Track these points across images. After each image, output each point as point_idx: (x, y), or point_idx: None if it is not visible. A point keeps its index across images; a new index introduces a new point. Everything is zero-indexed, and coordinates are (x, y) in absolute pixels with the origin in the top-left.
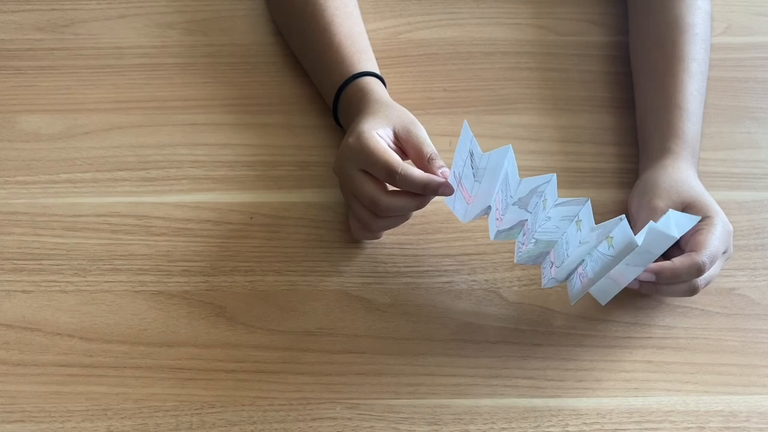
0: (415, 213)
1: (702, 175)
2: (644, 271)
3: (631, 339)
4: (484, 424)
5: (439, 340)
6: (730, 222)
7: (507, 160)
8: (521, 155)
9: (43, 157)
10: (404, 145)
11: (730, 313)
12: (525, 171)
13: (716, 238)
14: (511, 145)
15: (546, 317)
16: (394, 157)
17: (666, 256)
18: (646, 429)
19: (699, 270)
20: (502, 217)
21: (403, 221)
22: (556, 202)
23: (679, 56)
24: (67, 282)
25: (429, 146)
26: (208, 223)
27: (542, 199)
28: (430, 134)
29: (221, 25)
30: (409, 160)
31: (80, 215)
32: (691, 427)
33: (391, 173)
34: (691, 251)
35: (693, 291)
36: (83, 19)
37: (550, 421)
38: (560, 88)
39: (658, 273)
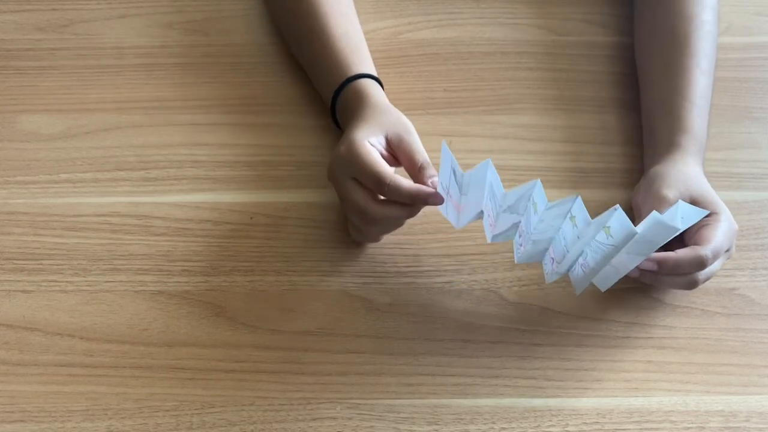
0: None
1: None
2: (646, 260)
3: (631, 339)
4: (484, 424)
5: (439, 340)
6: None
7: (489, 172)
8: (521, 155)
9: (43, 157)
10: (396, 153)
11: (730, 313)
12: (525, 171)
13: (721, 234)
14: (490, 159)
15: (546, 317)
16: (384, 168)
17: (667, 247)
18: (646, 429)
19: (701, 263)
20: (494, 223)
21: (398, 226)
22: (547, 207)
23: (691, 51)
24: (67, 282)
25: (420, 154)
26: (208, 223)
27: (531, 202)
28: (430, 134)
29: (221, 25)
30: (402, 168)
31: (80, 215)
32: (691, 427)
33: (380, 184)
34: (695, 245)
35: (692, 285)
36: (83, 19)
37: (550, 421)
38: (560, 88)
39: (660, 263)
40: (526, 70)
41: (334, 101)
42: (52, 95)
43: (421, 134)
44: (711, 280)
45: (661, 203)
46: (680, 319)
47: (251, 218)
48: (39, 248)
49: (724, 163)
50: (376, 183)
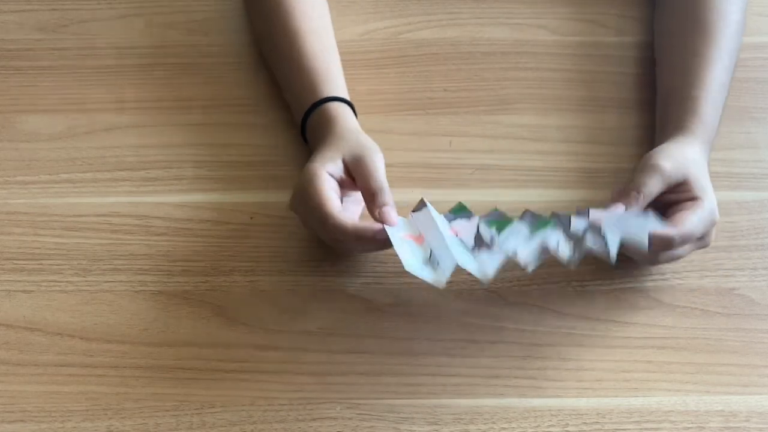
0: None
1: None
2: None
3: (631, 339)
4: (484, 424)
5: (439, 340)
6: (730, 222)
7: (431, 217)
8: (521, 155)
9: (43, 157)
10: (354, 176)
11: (730, 313)
12: (525, 171)
13: (697, 219)
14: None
15: (546, 317)
16: (329, 206)
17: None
18: (646, 429)
19: (667, 244)
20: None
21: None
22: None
23: (716, 43)
24: (67, 282)
25: (375, 180)
26: (208, 223)
27: (491, 230)
28: (430, 134)
29: (221, 25)
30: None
31: (80, 215)
32: (691, 427)
33: (323, 224)
34: (670, 224)
35: (652, 262)
36: (83, 19)
37: (550, 421)
38: (560, 88)
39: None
40: (526, 70)
41: (304, 123)
42: (52, 95)
43: (421, 134)
44: (711, 280)
45: (655, 171)
46: (680, 319)
47: (251, 218)
48: (39, 248)
49: (724, 163)
50: (320, 222)
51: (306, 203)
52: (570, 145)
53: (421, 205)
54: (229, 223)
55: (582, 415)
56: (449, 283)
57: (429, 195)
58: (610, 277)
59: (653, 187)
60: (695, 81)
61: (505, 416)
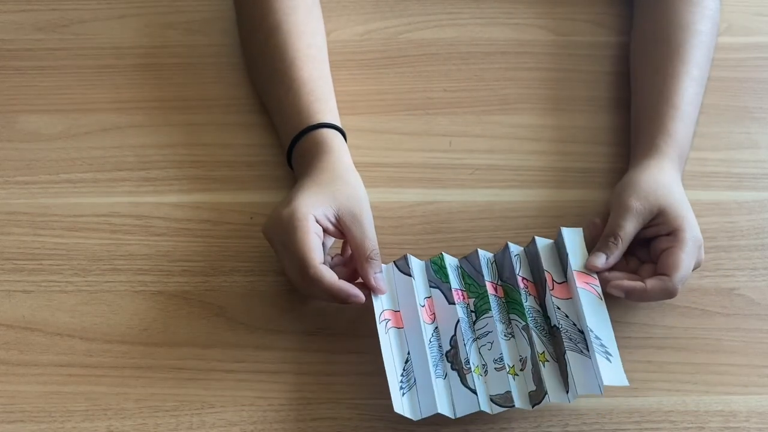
0: (413, 213)
1: (702, 175)
2: (614, 287)
3: (631, 339)
4: (485, 424)
5: None
6: (730, 222)
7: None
8: (521, 155)
9: (43, 157)
10: (345, 233)
11: (730, 313)
12: (525, 171)
13: (687, 257)
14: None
15: None
16: (312, 256)
17: (631, 254)
18: (646, 429)
19: (670, 294)
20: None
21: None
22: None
23: (683, 58)
24: (67, 282)
25: (371, 241)
26: (208, 223)
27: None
28: (430, 134)
29: (221, 25)
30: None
31: (80, 215)
32: (690, 427)
33: (303, 269)
34: (662, 273)
35: (670, 296)
36: (83, 19)
37: (550, 421)
38: (560, 88)
39: (628, 292)
40: (526, 70)
41: (291, 149)
42: (52, 95)
43: (421, 134)
44: (711, 280)
45: (626, 211)
46: (680, 319)
47: (251, 218)
48: (39, 248)
49: (724, 163)
50: (298, 268)
51: (287, 245)
52: (570, 145)
53: (403, 263)
54: (229, 223)
55: (582, 415)
56: None
57: (429, 195)
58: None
59: (629, 228)
60: (663, 98)
61: (505, 416)
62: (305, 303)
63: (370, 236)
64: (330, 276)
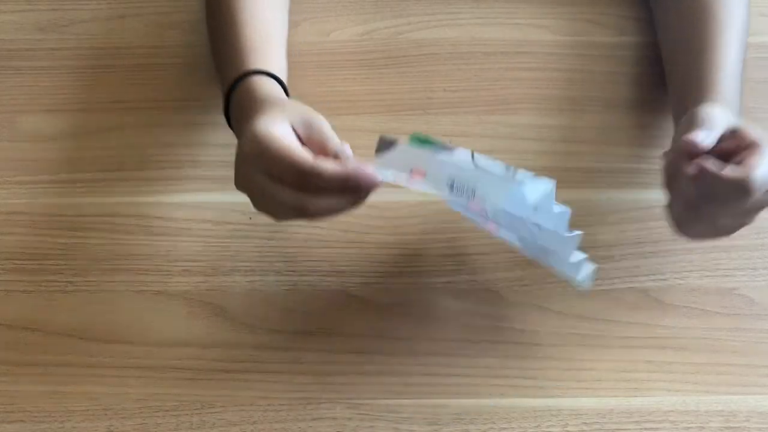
0: (414, 212)
1: None
2: (694, 163)
3: (631, 339)
4: (484, 424)
5: (439, 340)
6: None
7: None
8: (521, 155)
9: (43, 157)
10: (306, 143)
11: (730, 313)
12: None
13: (765, 161)
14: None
15: (546, 317)
16: (301, 154)
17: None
18: (646, 429)
19: (745, 190)
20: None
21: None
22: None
23: (728, 33)
24: (67, 282)
25: (334, 141)
26: (208, 223)
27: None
28: (430, 134)
29: None
30: None
31: (80, 215)
32: (691, 427)
33: (300, 175)
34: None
35: (745, 191)
36: (83, 19)
37: (550, 421)
38: (560, 88)
39: (702, 170)
40: (526, 70)
41: (228, 101)
42: (52, 95)
43: None
44: (711, 280)
45: (706, 117)
46: (680, 319)
47: (251, 218)
48: (39, 248)
49: None
50: (295, 174)
51: (267, 162)
52: (570, 145)
53: (384, 144)
54: (229, 223)
55: (582, 415)
56: (449, 283)
57: (429, 195)
58: (610, 277)
59: (717, 124)
60: (712, 66)
61: (505, 416)
62: (305, 303)
63: (331, 137)
64: (331, 165)
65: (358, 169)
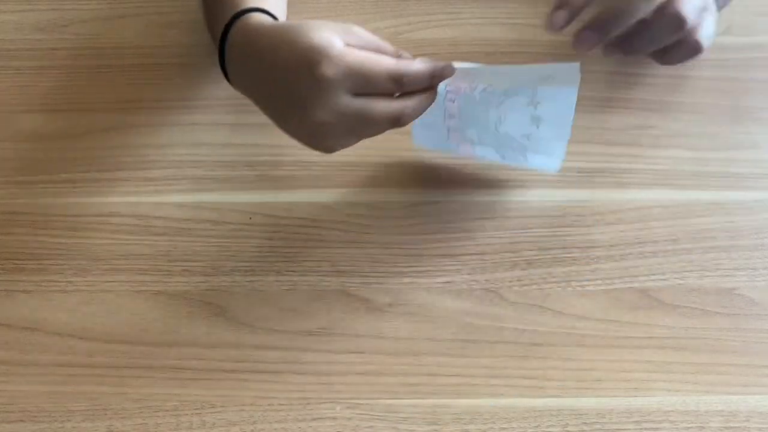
0: (414, 212)
1: (702, 175)
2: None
3: (631, 339)
4: (484, 424)
5: (439, 340)
6: (730, 222)
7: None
8: None
9: (43, 157)
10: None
11: (730, 313)
12: (525, 171)
13: None
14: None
15: (546, 317)
16: (386, 59)
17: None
18: (646, 429)
19: (678, 21)
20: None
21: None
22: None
23: None
24: (67, 282)
25: (384, 42)
26: (208, 223)
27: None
28: None
29: None
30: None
31: (80, 215)
32: (691, 427)
33: (395, 78)
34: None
35: (694, 48)
36: (83, 19)
37: (550, 421)
38: None
39: (604, 21)
40: None
41: (223, 47)
42: (52, 95)
43: None
44: (711, 280)
45: None
46: (680, 319)
47: (251, 218)
48: (39, 248)
49: (724, 163)
50: (388, 79)
51: (351, 79)
52: (571, 145)
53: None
54: (229, 223)
55: (582, 415)
56: (449, 283)
57: (429, 195)
58: (610, 277)
59: None
60: None
61: (505, 416)
62: (305, 303)
63: (379, 39)
64: (415, 61)
65: (436, 60)
